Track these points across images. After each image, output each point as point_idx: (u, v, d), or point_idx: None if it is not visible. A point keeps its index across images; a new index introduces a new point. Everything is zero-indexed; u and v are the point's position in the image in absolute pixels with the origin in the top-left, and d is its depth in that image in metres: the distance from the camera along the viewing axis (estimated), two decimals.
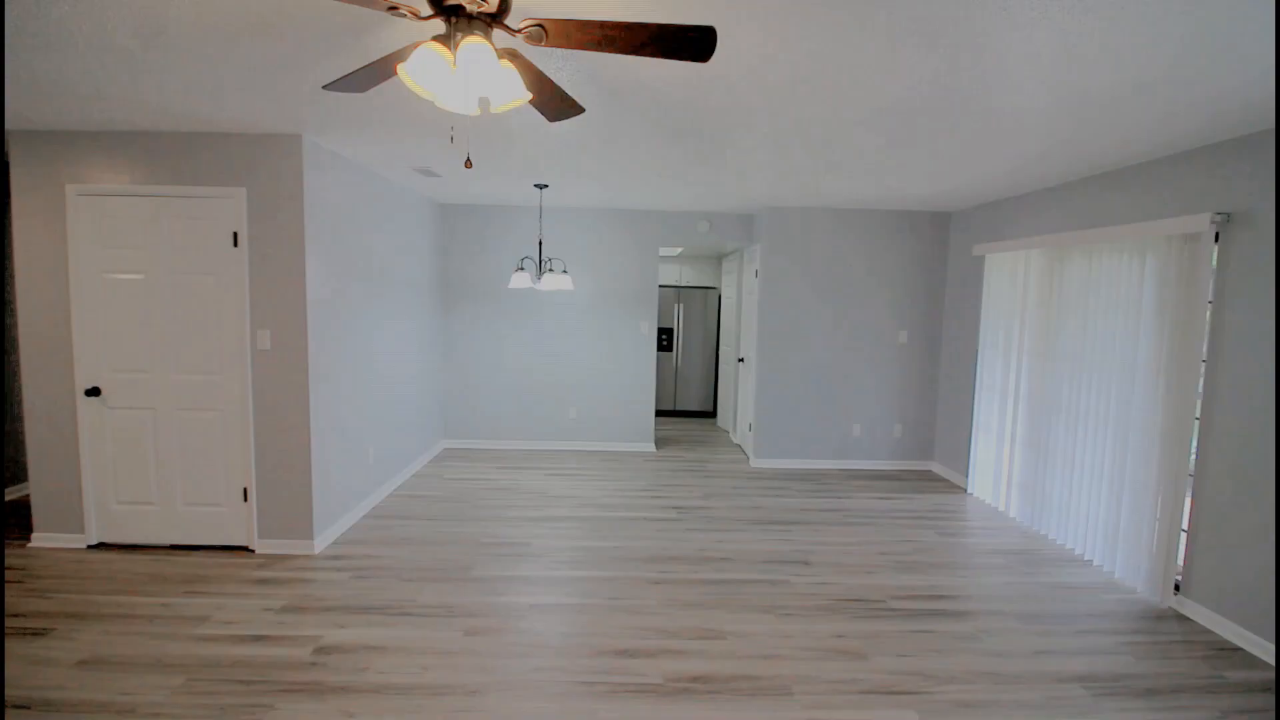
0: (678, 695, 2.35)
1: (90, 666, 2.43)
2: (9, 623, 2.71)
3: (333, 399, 3.73)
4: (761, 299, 5.49)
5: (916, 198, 4.72)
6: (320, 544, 3.58)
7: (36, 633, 2.65)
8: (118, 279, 3.40)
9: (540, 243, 4.77)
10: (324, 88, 1.88)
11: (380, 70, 1.79)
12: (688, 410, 8.00)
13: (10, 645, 2.55)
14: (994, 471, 4.64)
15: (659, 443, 6.46)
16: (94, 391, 3.43)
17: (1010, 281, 4.46)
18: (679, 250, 7.22)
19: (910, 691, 2.40)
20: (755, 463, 5.61)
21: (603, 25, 1.52)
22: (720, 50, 2.05)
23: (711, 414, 8.05)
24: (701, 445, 6.44)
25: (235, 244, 3.37)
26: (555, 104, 2.03)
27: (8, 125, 3.22)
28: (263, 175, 3.34)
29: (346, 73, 2.27)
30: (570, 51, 2.08)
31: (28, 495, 4.26)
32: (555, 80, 2.34)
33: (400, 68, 1.51)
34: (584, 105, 2.58)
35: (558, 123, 2.70)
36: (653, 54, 1.59)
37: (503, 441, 6.03)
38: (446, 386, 5.97)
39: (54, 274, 3.38)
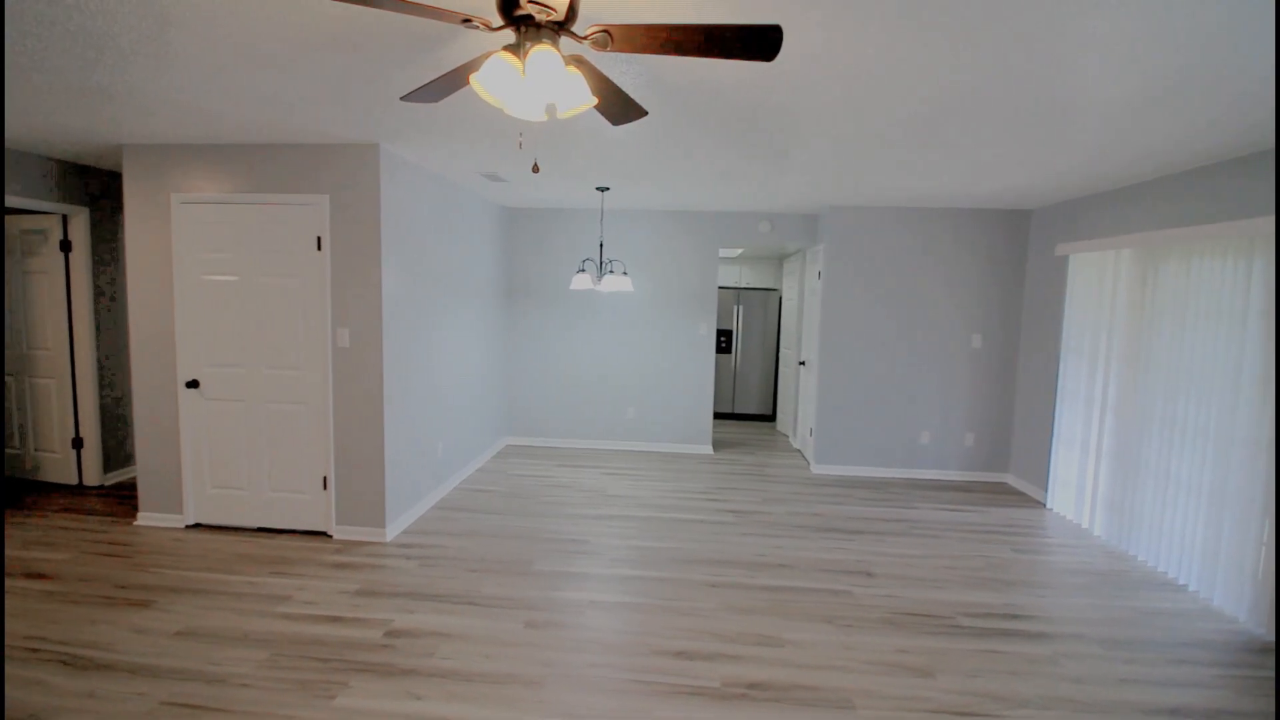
0: (735, 700, 2.33)
1: (186, 637, 2.64)
2: (118, 594, 2.98)
3: (405, 395, 3.90)
4: (824, 300, 5.36)
5: (992, 195, 4.49)
6: (392, 532, 3.75)
7: (140, 604, 2.90)
8: (214, 280, 3.67)
9: (601, 244, 4.83)
10: (401, 99, 1.97)
11: (454, 80, 1.86)
12: (746, 413, 7.91)
13: (116, 614, 2.80)
14: (1076, 485, 4.36)
15: (716, 445, 6.42)
16: (193, 384, 3.72)
17: (1097, 283, 4.18)
18: (739, 251, 7.15)
19: (980, 714, 2.29)
20: (816, 469, 5.48)
21: (667, 28, 1.52)
22: (784, 48, 2.02)
23: (771, 417, 7.93)
24: (760, 449, 6.35)
25: (319, 248, 3.58)
26: (619, 108, 2.06)
27: (122, 141, 3.54)
28: (343, 183, 3.54)
29: (422, 84, 2.38)
30: (633, 55, 2.10)
31: (134, 478, 4.66)
32: (619, 84, 2.37)
33: (473, 77, 1.57)
34: (646, 108, 2.60)
35: (620, 126, 2.73)
36: (718, 55, 1.58)
37: (563, 439, 6.14)
38: (510, 384, 6.14)
39: (159, 276, 3.69)
